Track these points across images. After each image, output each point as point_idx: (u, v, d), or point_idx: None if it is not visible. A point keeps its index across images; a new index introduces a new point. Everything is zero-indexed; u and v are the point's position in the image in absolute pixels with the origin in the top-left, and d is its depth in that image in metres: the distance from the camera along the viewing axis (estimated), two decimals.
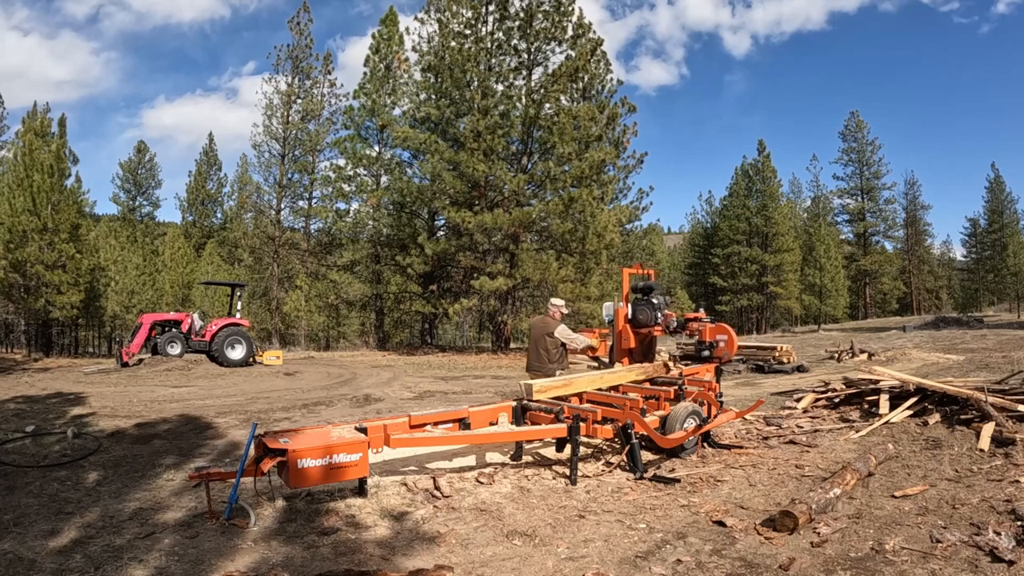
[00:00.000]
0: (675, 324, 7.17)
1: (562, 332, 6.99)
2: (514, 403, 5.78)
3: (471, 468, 5.58)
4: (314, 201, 31.87)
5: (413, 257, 22.65)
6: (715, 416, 6.10)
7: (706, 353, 7.11)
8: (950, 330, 24.27)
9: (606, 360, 7.69)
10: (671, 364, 7.28)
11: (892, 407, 6.79)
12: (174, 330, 16.20)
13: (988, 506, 4.24)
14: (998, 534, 3.67)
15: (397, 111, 26.99)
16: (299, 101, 31.40)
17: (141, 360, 15.28)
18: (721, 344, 7.03)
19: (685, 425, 5.77)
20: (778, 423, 7.17)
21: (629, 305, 7.43)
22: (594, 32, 22.30)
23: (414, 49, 24.43)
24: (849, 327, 35.40)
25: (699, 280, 50.58)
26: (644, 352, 7.52)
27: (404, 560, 3.72)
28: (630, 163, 25.38)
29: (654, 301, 7.21)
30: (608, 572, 3.51)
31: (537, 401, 5.73)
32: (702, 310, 7.79)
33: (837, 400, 7.72)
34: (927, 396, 6.76)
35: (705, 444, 6.20)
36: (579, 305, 20.69)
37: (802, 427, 6.94)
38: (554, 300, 7.22)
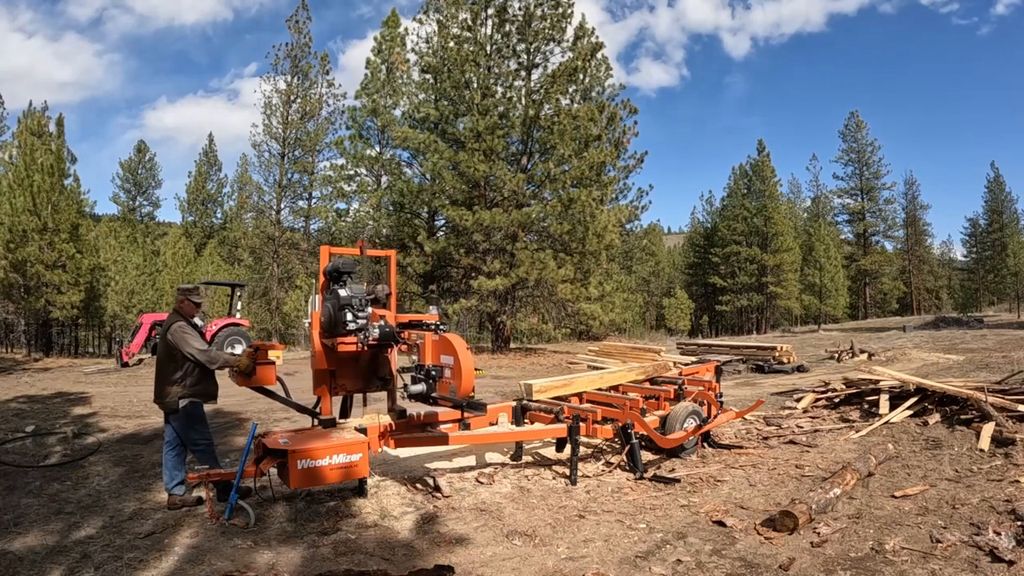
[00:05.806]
0: (378, 332, 4.42)
1: (176, 334, 4.36)
2: (514, 403, 5.78)
3: (471, 468, 5.58)
4: (314, 201, 31.89)
5: (413, 257, 22.64)
6: (715, 416, 6.10)
7: (418, 388, 4.37)
8: (950, 330, 24.23)
9: (310, 403, 5.01)
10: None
11: (892, 407, 6.79)
12: None
13: (988, 506, 4.24)
14: (998, 534, 3.67)
15: (397, 111, 27.05)
16: (298, 100, 31.42)
17: (141, 360, 15.28)
18: (446, 373, 4.31)
19: (685, 425, 5.77)
20: (778, 423, 7.16)
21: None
22: (595, 35, 22.34)
23: (413, 50, 24.49)
24: (849, 327, 35.36)
25: (699, 280, 50.60)
26: (360, 376, 5.00)
27: (404, 560, 3.72)
28: (630, 163, 25.42)
29: (341, 294, 4.61)
30: (608, 572, 3.51)
31: (537, 401, 5.75)
32: (434, 308, 5.07)
33: (837, 400, 7.72)
34: (927, 396, 6.76)
35: (705, 444, 6.20)
36: (579, 305, 20.64)
37: (802, 427, 6.94)
38: (182, 285, 4.70)
